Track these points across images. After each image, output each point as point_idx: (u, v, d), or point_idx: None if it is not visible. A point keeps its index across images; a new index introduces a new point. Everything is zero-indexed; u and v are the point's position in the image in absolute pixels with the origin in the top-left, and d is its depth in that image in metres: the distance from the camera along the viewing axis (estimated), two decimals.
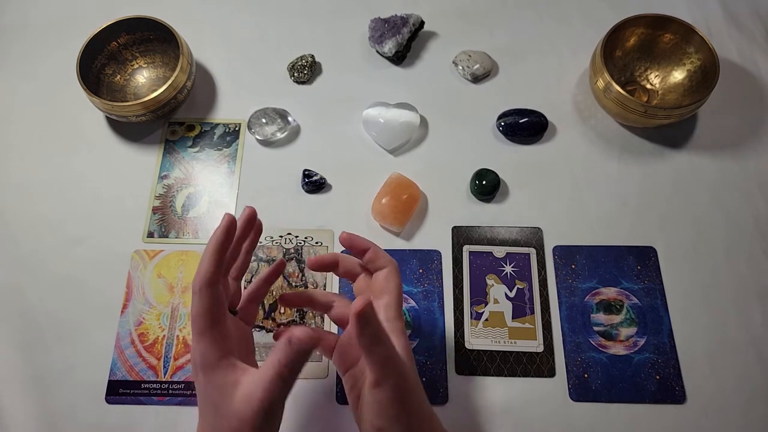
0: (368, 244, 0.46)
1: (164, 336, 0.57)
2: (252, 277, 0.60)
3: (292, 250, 0.60)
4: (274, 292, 0.59)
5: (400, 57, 0.71)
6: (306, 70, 0.69)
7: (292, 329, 0.37)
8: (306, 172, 0.63)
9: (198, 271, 0.41)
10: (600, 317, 0.57)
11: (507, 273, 0.59)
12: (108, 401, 0.54)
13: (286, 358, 0.37)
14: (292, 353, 0.37)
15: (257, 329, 0.57)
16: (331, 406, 0.53)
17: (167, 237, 0.61)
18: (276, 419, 0.39)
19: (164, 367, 0.55)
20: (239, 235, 0.46)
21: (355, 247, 0.46)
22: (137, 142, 0.67)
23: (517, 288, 0.58)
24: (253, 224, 0.47)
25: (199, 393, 0.40)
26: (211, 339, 0.39)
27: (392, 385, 0.39)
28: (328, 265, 0.47)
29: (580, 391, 0.54)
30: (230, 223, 0.43)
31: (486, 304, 0.58)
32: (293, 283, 0.59)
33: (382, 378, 0.39)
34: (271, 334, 0.57)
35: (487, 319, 0.57)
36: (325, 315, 0.56)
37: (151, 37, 0.69)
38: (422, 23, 0.71)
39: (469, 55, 0.69)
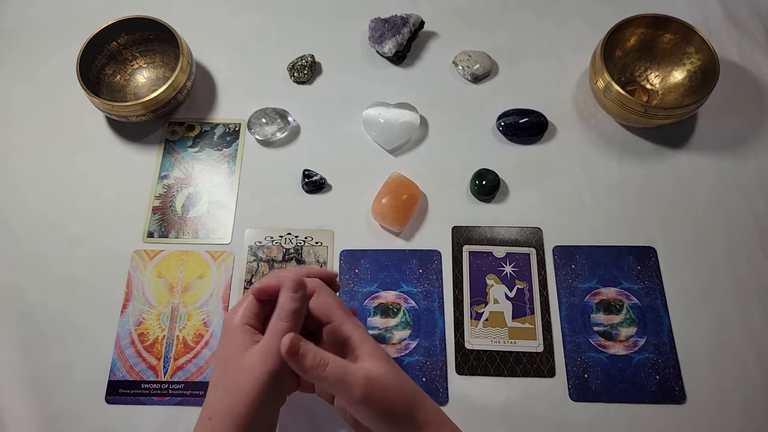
0: (275, 286, 0.44)
1: (164, 336, 0.57)
2: (252, 277, 0.60)
3: (292, 250, 0.60)
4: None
5: (400, 57, 0.71)
6: (306, 70, 0.69)
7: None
8: (306, 172, 0.63)
9: (297, 271, 0.47)
10: (600, 317, 0.57)
11: (507, 273, 0.59)
12: (108, 401, 0.54)
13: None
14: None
15: None
16: (332, 406, 0.53)
17: (167, 237, 0.61)
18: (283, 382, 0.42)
19: (164, 367, 0.55)
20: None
21: (267, 294, 0.45)
22: (137, 142, 0.67)
23: (517, 288, 0.58)
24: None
25: (220, 349, 0.44)
26: (247, 307, 0.44)
27: (363, 395, 0.40)
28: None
29: (580, 391, 0.54)
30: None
31: (486, 304, 0.58)
32: None
33: (350, 394, 0.40)
34: None
35: (487, 319, 0.57)
36: None
37: (151, 37, 0.69)
38: (422, 23, 0.71)
39: (469, 55, 0.69)
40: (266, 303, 0.45)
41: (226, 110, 0.69)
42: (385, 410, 0.41)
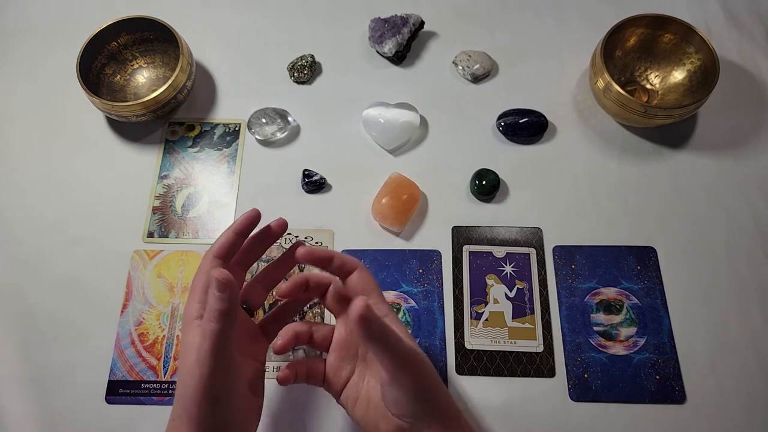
0: (330, 253, 0.45)
1: (164, 336, 0.57)
2: (251, 277, 0.59)
3: None
4: (273, 293, 0.59)
5: (400, 57, 0.71)
6: (306, 70, 0.69)
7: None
8: (306, 172, 0.63)
9: (212, 245, 0.45)
10: (600, 317, 0.57)
11: (507, 273, 0.59)
12: (108, 401, 0.54)
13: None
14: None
15: None
16: (333, 405, 0.53)
17: (167, 237, 0.61)
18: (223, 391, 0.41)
19: (164, 367, 0.55)
20: (257, 235, 0.48)
21: (316, 259, 0.45)
22: (137, 142, 0.67)
23: (517, 288, 0.58)
24: (269, 233, 0.48)
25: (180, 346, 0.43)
26: (199, 299, 0.43)
27: (411, 375, 0.40)
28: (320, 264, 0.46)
29: (580, 391, 0.54)
30: (255, 214, 0.47)
31: (486, 304, 0.58)
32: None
33: (400, 372, 0.40)
34: None
35: (487, 319, 0.57)
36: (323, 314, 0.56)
37: (151, 37, 0.69)
38: (422, 23, 0.71)
39: (469, 55, 0.69)
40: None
41: (226, 110, 0.69)
42: (423, 386, 0.41)
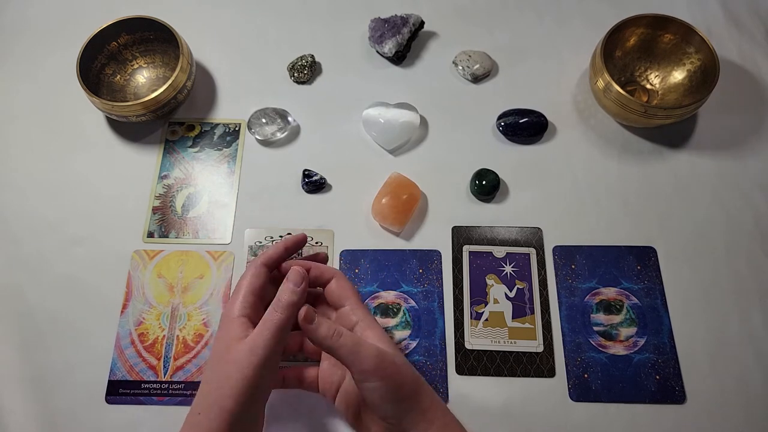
0: (307, 264, 0.48)
1: (164, 336, 0.57)
2: None
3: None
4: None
5: (400, 57, 0.71)
6: (306, 70, 0.69)
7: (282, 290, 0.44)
8: (306, 172, 0.63)
9: (264, 252, 0.48)
10: (600, 317, 0.57)
11: (507, 273, 0.59)
12: (108, 401, 0.54)
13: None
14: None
15: None
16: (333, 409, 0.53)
17: (167, 237, 0.61)
18: (269, 373, 0.42)
19: (164, 367, 0.55)
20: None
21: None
22: (137, 142, 0.67)
23: (517, 288, 0.58)
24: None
25: (216, 341, 0.44)
26: (244, 299, 0.44)
27: (381, 379, 0.41)
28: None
29: (580, 391, 0.54)
30: (303, 238, 0.51)
31: (486, 304, 0.58)
32: None
33: (366, 375, 0.41)
34: None
35: (487, 319, 0.57)
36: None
37: (151, 37, 0.69)
38: (422, 23, 0.71)
39: (469, 55, 0.69)
40: (262, 294, 0.46)
41: (226, 110, 0.69)
42: (395, 387, 0.42)
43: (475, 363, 0.55)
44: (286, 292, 0.43)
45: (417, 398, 0.43)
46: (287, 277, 0.44)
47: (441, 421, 0.44)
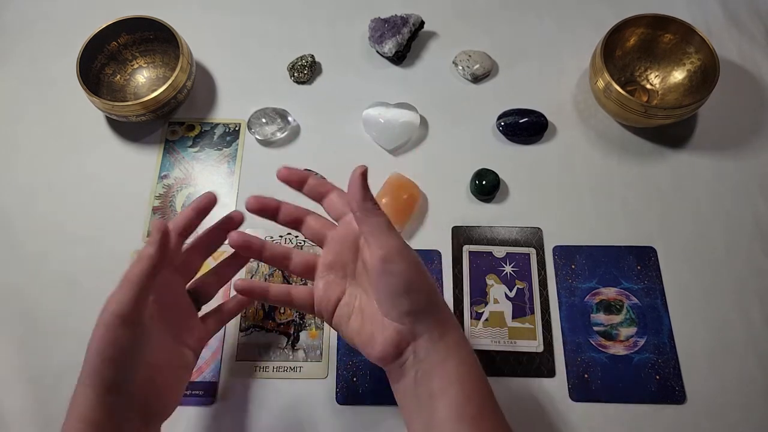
0: (305, 175, 0.48)
1: None
2: (252, 277, 0.59)
3: None
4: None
5: (400, 57, 0.71)
6: (306, 70, 0.69)
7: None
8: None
9: (173, 220, 0.46)
10: (600, 317, 0.57)
11: (507, 273, 0.59)
12: None
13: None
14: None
15: (257, 329, 0.57)
16: (331, 406, 0.53)
17: None
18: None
19: None
20: (218, 224, 0.49)
21: (291, 182, 0.48)
22: (137, 142, 0.67)
23: (517, 288, 0.58)
24: (230, 222, 0.49)
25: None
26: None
27: (404, 260, 0.40)
28: (269, 209, 0.48)
29: (580, 391, 0.54)
30: (213, 197, 0.48)
31: (486, 304, 0.58)
32: (291, 281, 0.59)
33: (395, 255, 0.40)
34: (271, 334, 0.57)
35: (487, 319, 0.57)
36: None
37: (151, 37, 0.69)
38: (422, 23, 0.71)
39: (469, 55, 0.69)
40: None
41: (226, 110, 0.69)
42: (419, 273, 0.41)
43: None
44: (153, 234, 0.42)
45: (435, 300, 0.42)
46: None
47: (452, 322, 0.42)
